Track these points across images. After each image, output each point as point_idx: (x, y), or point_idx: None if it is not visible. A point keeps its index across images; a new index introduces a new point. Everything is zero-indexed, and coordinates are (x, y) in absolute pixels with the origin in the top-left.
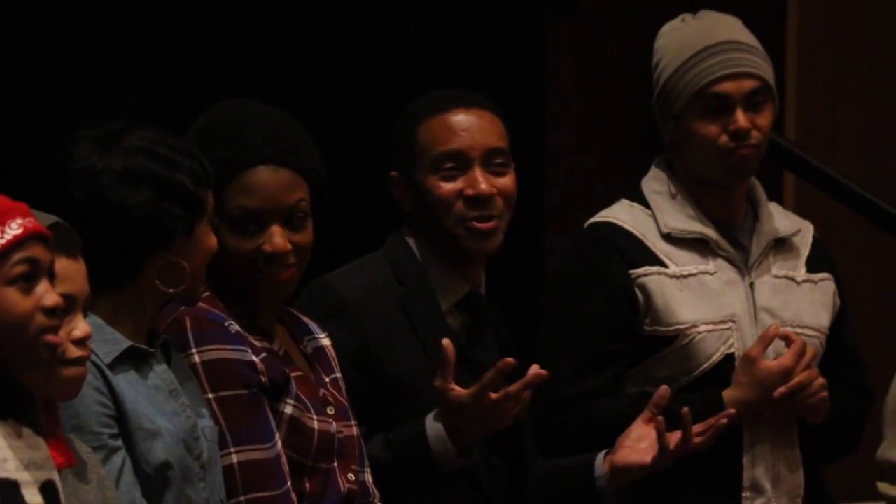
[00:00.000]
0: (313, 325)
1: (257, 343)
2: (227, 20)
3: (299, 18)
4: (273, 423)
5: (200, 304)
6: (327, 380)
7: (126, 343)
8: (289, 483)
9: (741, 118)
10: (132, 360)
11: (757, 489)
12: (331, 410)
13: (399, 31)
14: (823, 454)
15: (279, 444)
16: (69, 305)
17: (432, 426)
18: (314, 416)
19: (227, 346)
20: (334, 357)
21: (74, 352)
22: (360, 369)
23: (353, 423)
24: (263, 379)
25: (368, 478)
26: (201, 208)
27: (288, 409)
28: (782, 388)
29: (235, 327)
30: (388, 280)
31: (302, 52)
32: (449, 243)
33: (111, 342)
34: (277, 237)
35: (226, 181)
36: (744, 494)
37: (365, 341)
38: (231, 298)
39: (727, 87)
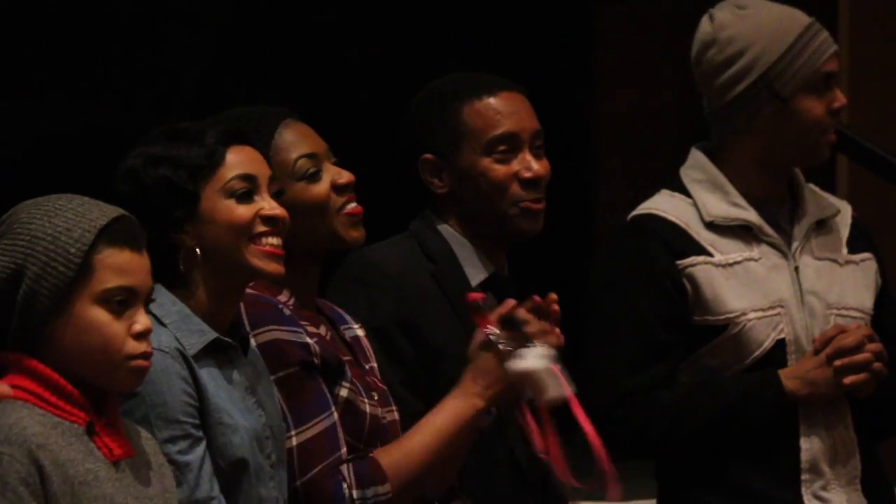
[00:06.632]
0: (347, 316)
1: (309, 328)
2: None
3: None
4: (329, 396)
5: (249, 290)
6: (367, 367)
7: (211, 335)
8: (343, 450)
9: (841, 95)
10: (215, 352)
11: (816, 471)
12: (375, 395)
13: (446, 17)
14: (870, 434)
15: (335, 414)
16: (130, 298)
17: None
18: (366, 400)
19: (282, 327)
20: (369, 347)
21: (136, 347)
22: (407, 336)
23: (393, 408)
24: (316, 361)
25: None
26: (191, 195)
27: (343, 392)
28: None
29: (288, 310)
30: (418, 256)
31: (345, 43)
32: (497, 223)
33: (197, 333)
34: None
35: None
36: (803, 477)
37: (409, 309)
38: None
39: (833, 65)
